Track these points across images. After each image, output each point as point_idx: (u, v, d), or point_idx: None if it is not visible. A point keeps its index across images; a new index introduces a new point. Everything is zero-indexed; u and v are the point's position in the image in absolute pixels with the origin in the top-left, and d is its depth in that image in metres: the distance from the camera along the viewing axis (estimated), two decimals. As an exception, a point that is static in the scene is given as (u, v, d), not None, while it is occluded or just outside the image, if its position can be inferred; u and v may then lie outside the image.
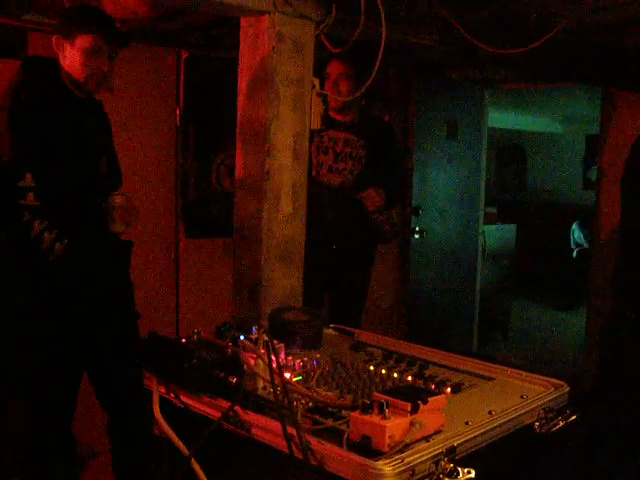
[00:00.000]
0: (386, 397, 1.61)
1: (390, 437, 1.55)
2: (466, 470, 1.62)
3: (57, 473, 2.92)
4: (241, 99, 3.02)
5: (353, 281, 4.06)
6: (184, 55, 4.37)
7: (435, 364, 2.30)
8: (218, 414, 1.85)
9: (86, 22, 2.81)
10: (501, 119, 8.47)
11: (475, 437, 1.75)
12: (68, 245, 2.73)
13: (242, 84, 3.01)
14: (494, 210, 7.51)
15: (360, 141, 3.89)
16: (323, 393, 1.91)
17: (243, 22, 2.98)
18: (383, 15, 2.91)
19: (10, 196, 2.66)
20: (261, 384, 1.93)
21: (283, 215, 2.97)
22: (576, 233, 8.95)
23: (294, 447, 1.63)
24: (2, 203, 2.71)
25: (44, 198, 2.69)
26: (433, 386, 2.05)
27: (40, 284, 2.80)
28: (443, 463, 1.62)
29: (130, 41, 3.03)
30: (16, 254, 2.74)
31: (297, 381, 2.02)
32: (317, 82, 3.11)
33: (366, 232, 3.98)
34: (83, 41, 2.79)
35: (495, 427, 1.82)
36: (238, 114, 3.03)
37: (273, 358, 1.84)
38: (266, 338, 1.90)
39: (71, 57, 2.82)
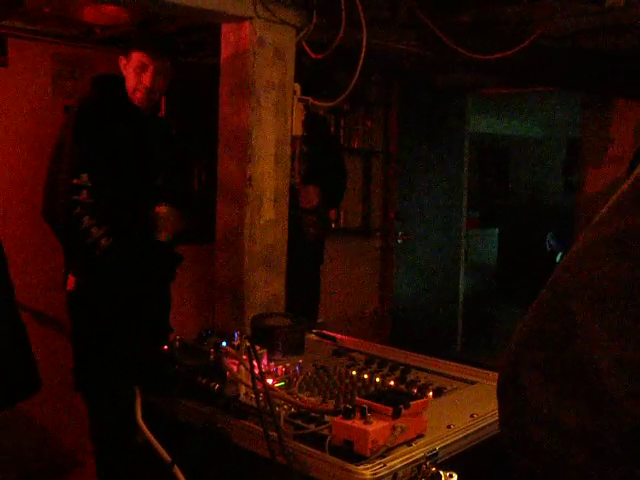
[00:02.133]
0: (368, 402, 1.61)
1: (372, 441, 1.55)
2: (448, 474, 1.63)
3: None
4: (222, 105, 3.02)
5: (304, 281, 3.99)
6: (166, 61, 4.36)
7: (417, 368, 2.30)
8: (200, 421, 1.85)
9: (136, 40, 3.05)
10: (483, 124, 8.51)
11: (457, 441, 1.76)
12: (114, 243, 2.84)
13: (223, 90, 3.02)
14: (477, 214, 7.55)
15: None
16: (305, 398, 1.91)
17: (224, 28, 2.99)
18: (364, 21, 2.93)
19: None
20: (243, 390, 1.93)
21: (265, 221, 2.97)
22: (552, 242, 9.01)
23: (277, 452, 1.63)
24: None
25: (98, 198, 2.85)
26: (415, 390, 2.06)
27: (88, 279, 2.99)
28: (425, 467, 1.62)
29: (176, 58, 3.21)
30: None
31: (279, 387, 2.02)
32: (298, 88, 3.12)
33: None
34: (134, 58, 3.01)
35: (477, 430, 1.83)
36: (219, 120, 3.03)
37: (255, 364, 1.84)
38: (248, 344, 1.90)
39: (127, 74, 3.04)
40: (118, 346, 2.64)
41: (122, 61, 3.05)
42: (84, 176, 2.85)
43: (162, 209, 3.01)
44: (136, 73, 2.99)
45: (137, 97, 3.03)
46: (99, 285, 2.99)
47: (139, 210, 3.02)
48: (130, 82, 3.01)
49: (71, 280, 3.03)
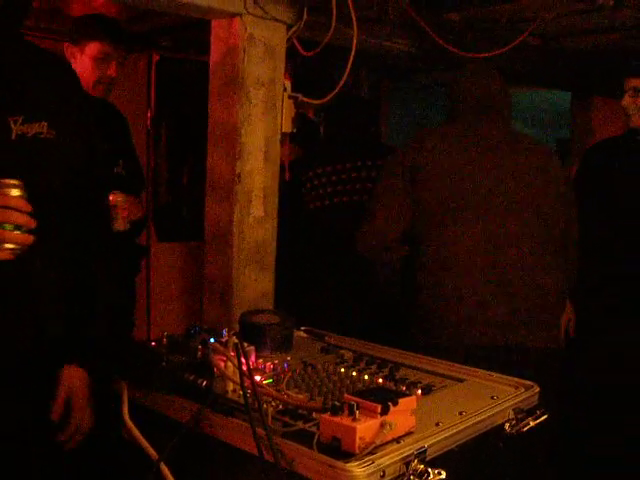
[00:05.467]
0: (356, 399, 1.61)
1: (360, 438, 1.55)
2: (437, 471, 1.62)
3: None
4: (212, 102, 3.01)
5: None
6: (155, 58, 4.35)
7: (406, 366, 2.30)
8: (188, 417, 1.84)
9: (94, 30, 2.93)
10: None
11: (446, 438, 1.75)
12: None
13: (213, 87, 3.00)
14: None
15: None
16: (293, 395, 1.90)
17: (214, 24, 2.97)
18: (354, 18, 2.92)
19: None
20: (231, 387, 1.92)
21: (254, 218, 2.96)
22: None
23: (264, 449, 1.62)
24: None
25: None
26: (404, 388, 2.05)
27: None
28: (414, 464, 1.62)
29: (136, 46, 3.10)
30: None
31: (267, 384, 2.01)
32: (289, 85, 3.11)
33: None
34: (92, 48, 2.92)
35: (466, 428, 1.83)
36: (209, 117, 3.02)
37: (243, 361, 1.83)
38: (236, 341, 1.89)
39: (81, 64, 2.93)
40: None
41: (69, 48, 2.95)
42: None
43: (116, 197, 2.93)
44: (96, 63, 2.90)
45: (99, 89, 2.94)
46: None
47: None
48: (88, 72, 2.90)
49: None
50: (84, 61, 2.91)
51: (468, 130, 2.90)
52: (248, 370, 1.82)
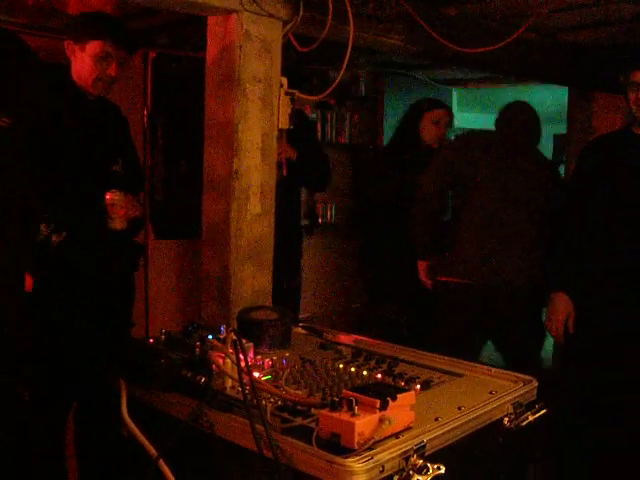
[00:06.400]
0: (355, 394, 1.61)
1: (359, 434, 1.55)
2: (436, 466, 1.63)
3: None
4: (208, 99, 3.00)
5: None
6: (151, 55, 4.34)
7: (404, 361, 2.30)
8: (187, 414, 1.84)
9: (96, 28, 2.92)
10: (469, 119, 8.52)
11: (445, 433, 1.75)
12: (66, 238, 2.76)
13: (209, 84, 3.00)
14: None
15: None
16: (292, 392, 1.90)
17: (210, 21, 2.96)
18: (350, 14, 2.92)
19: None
20: (230, 383, 1.92)
21: (252, 215, 2.95)
22: None
23: (263, 446, 1.62)
24: None
25: (44, 194, 2.70)
26: (402, 383, 2.05)
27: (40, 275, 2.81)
28: (413, 459, 1.62)
29: (138, 47, 3.08)
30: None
31: (266, 380, 2.01)
32: (285, 81, 3.10)
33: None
34: (93, 47, 2.89)
35: (465, 423, 1.83)
36: (205, 114, 3.01)
37: (241, 357, 1.83)
38: (234, 337, 1.89)
39: (81, 61, 2.92)
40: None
41: (70, 45, 2.93)
42: None
43: (113, 196, 2.92)
44: (96, 62, 2.89)
45: (98, 87, 2.94)
46: (56, 282, 2.89)
47: (95, 200, 2.94)
48: (87, 70, 2.90)
49: (29, 280, 2.91)
50: (84, 59, 2.89)
51: (500, 147, 3.97)
52: (246, 366, 1.82)
